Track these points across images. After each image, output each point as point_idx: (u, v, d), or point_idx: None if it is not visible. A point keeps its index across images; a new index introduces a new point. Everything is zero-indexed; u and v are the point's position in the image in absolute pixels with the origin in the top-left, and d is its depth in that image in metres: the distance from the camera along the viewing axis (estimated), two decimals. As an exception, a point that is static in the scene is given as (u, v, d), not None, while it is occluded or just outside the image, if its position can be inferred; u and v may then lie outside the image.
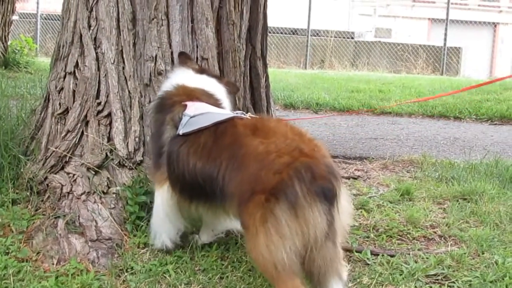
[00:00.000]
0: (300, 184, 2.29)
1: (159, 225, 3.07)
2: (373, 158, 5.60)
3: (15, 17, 12.75)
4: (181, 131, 2.80)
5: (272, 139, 2.50)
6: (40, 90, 7.53)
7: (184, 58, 3.31)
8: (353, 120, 7.74)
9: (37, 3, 17.42)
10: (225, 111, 2.92)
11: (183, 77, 3.15)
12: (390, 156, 5.59)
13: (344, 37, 17.52)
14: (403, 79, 11.20)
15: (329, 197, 2.31)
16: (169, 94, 3.05)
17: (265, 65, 4.14)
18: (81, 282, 2.92)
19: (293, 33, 17.46)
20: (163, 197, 2.99)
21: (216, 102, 3.05)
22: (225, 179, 2.63)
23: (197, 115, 2.79)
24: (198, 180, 2.77)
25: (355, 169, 5.11)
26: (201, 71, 3.27)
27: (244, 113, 2.93)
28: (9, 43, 12.06)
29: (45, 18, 18.39)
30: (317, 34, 17.48)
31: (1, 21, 11.75)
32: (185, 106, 2.87)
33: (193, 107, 2.85)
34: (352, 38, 17.57)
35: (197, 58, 3.62)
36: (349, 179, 4.74)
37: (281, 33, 17.16)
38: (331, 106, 8.28)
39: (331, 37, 17.26)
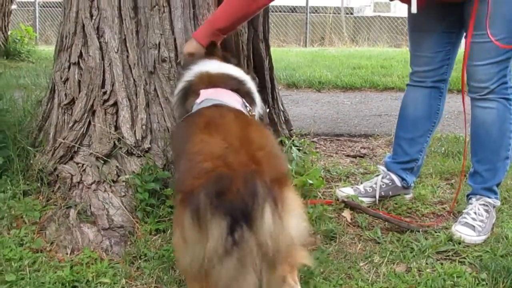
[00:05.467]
0: (205, 196, 2.14)
1: None
2: (378, 135, 5.64)
3: (13, 6, 12.72)
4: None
5: (213, 139, 2.37)
6: (43, 80, 7.58)
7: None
8: (356, 97, 7.74)
9: (35, -10, 17.40)
10: (224, 97, 2.82)
11: (207, 65, 3.09)
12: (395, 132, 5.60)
13: (343, 13, 17.45)
14: (404, 53, 11.12)
15: (235, 216, 2.11)
16: (189, 83, 3.00)
17: (267, 47, 4.15)
18: (96, 271, 2.95)
19: (292, 11, 17.38)
20: None
21: (238, 84, 2.99)
22: (176, 167, 2.60)
23: (202, 101, 2.77)
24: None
25: (361, 147, 5.14)
26: (226, 60, 3.22)
27: (245, 102, 2.89)
28: (9, 33, 12.06)
29: (43, 6, 18.35)
30: (316, 11, 17.41)
31: (1, 11, 11.75)
32: (199, 94, 2.85)
33: (204, 94, 2.82)
34: (352, 13, 17.49)
35: (200, 43, 3.62)
36: (355, 157, 4.76)
37: (280, 11, 17.09)
38: (334, 83, 8.28)
39: (330, 13, 17.18)
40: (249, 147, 2.29)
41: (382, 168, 3.92)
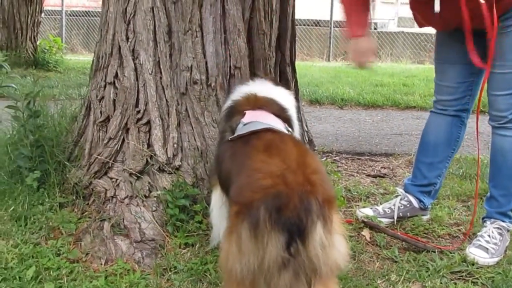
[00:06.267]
0: (264, 210, 2.30)
1: (215, 223, 3.21)
2: (398, 155, 5.78)
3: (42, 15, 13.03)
4: (230, 137, 2.94)
5: (273, 159, 2.53)
6: (73, 91, 7.82)
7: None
8: (378, 115, 7.89)
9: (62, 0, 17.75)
10: (271, 121, 2.97)
11: (254, 86, 3.29)
12: (415, 152, 5.75)
13: (367, 28, 17.53)
14: (426, 71, 11.28)
15: (292, 230, 2.30)
16: (236, 103, 3.18)
17: (294, 71, 4.33)
18: (129, 281, 3.13)
19: (316, 25, 17.55)
20: (215, 197, 3.14)
21: (280, 109, 3.17)
22: (231, 184, 2.74)
23: (249, 122, 2.90)
24: (227, 183, 2.90)
25: (382, 167, 5.28)
26: (274, 81, 3.46)
27: (287, 127, 3.04)
28: (37, 42, 12.37)
29: (70, 15, 18.69)
30: (340, 25, 17.52)
31: (30, 22, 12.08)
32: (244, 114, 3.00)
33: (250, 115, 2.97)
34: (375, 29, 17.61)
35: (230, 67, 3.81)
36: (376, 177, 4.91)
37: (304, 25, 17.27)
38: (356, 101, 8.43)
39: (353, 28, 17.26)
40: (305, 170, 2.45)
41: (400, 190, 4.06)
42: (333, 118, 7.66)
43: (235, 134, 2.90)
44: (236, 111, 3.12)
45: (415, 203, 3.95)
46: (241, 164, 2.67)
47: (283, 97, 3.33)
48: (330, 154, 5.59)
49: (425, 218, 3.99)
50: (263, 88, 3.31)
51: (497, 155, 3.64)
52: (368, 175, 4.97)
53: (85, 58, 14.60)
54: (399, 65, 13.92)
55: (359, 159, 5.55)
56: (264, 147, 2.67)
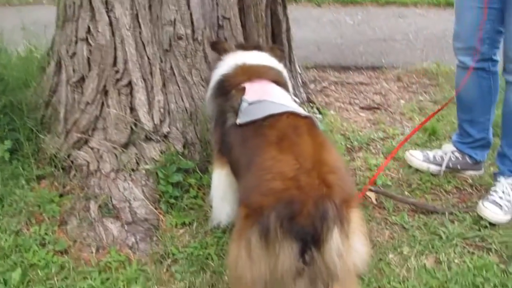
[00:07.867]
0: (275, 218, 2.12)
1: (216, 206, 2.96)
2: (385, 68, 5.55)
3: None
4: (238, 120, 2.64)
5: (285, 156, 2.30)
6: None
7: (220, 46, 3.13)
8: (358, 14, 7.49)
9: None
10: (283, 99, 2.70)
11: (242, 56, 2.97)
12: (402, 64, 5.53)
13: None
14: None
15: (305, 239, 2.13)
16: (227, 77, 2.86)
17: (285, 8, 3.91)
18: (126, 278, 2.87)
19: None
20: (217, 179, 2.88)
21: (276, 74, 2.90)
22: (239, 175, 2.57)
23: (255, 102, 2.63)
24: (235, 170, 2.70)
25: (373, 93, 5.00)
26: (252, 47, 3.13)
27: (299, 102, 2.74)
28: None
29: None
30: None
31: None
32: (244, 89, 2.70)
33: (252, 90, 2.68)
34: None
35: (218, 17, 3.40)
36: (370, 109, 4.64)
37: None
38: (334, -4, 8.03)
39: None
40: (321, 169, 2.23)
41: (450, 146, 3.84)
42: (311, 20, 7.24)
43: (245, 118, 2.60)
44: (230, 85, 2.81)
45: (466, 158, 3.75)
46: (251, 159, 2.42)
47: (272, 60, 3.02)
48: (316, 72, 5.28)
49: (478, 173, 3.78)
50: (252, 55, 2.99)
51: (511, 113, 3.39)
52: (362, 108, 4.67)
53: None
54: None
55: (348, 83, 5.21)
56: (277, 138, 2.41)
